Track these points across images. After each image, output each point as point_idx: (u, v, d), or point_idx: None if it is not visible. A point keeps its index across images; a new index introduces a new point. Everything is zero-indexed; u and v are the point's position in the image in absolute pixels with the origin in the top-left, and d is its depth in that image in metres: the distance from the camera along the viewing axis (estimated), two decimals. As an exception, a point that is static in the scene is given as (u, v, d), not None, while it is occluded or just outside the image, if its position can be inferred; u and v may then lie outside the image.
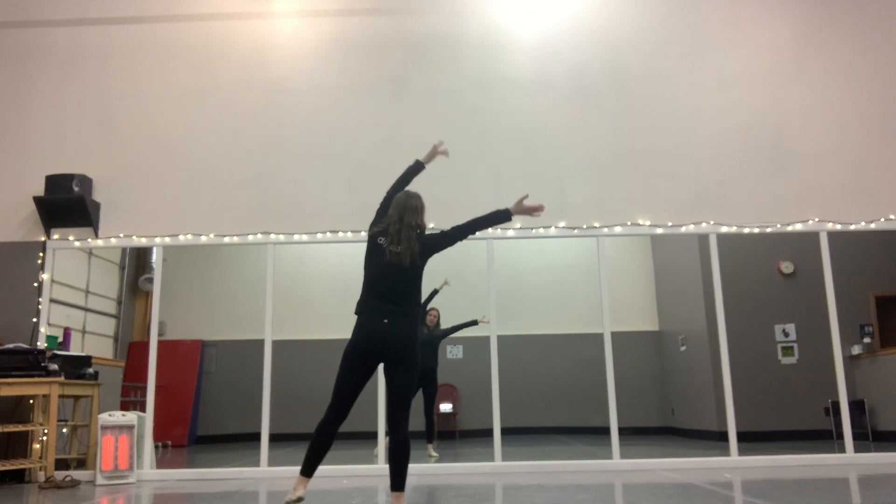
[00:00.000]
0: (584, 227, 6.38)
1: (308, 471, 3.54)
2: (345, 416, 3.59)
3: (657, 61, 6.70)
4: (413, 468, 6.10)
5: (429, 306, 7.80)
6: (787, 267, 9.36)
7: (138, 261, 9.59)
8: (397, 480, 3.47)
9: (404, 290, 3.60)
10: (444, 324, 8.06)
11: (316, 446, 3.55)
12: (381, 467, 5.93)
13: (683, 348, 10.13)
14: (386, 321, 3.52)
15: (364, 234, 6.29)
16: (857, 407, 8.16)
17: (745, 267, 8.81)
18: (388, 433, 3.60)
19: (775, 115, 6.59)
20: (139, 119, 6.59)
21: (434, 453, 7.47)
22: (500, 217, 3.78)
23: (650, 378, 11.03)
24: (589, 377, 8.87)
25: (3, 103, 6.62)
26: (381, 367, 4.29)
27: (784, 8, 6.81)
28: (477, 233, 3.78)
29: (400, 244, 3.60)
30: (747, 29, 6.76)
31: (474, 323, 7.78)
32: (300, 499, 3.47)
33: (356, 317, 3.62)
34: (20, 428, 5.51)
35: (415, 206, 3.70)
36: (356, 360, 3.56)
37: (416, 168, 4.02)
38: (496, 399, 6.16)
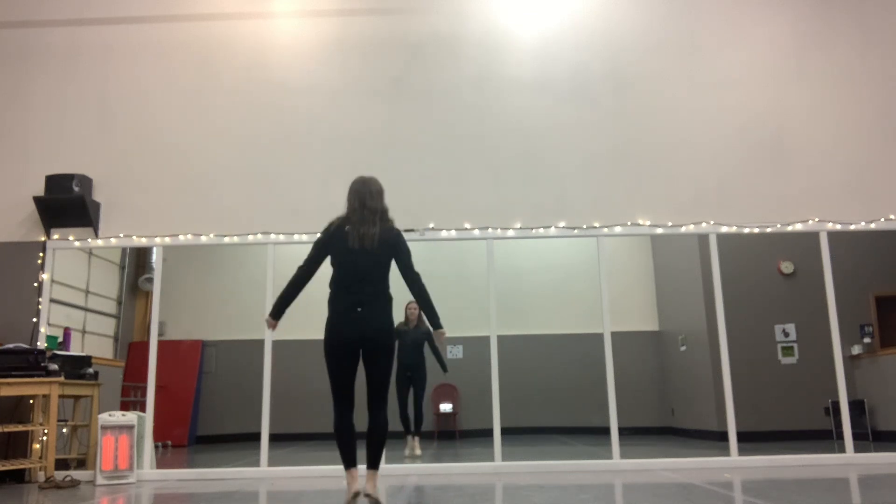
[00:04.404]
0: (584, 227, 6.38)
1: (350, 463, 3.64)
2: (353, 404, 3.72)
3: (657, 61, 6.70)
4: (413, 468, 6.15)
5: (409, 301, 7.50)
6: (787, 267, 9.36)
7: (138, 261, 9.58)
8: (373, 460, 3.64)
9: (372, 273, 3.67)
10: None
11: (343, 440, 3.66)
12: (389, 467, 5.92)
13: (683, 348, 10.13)
14: (360, 309, 3.60)
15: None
16: (857, 407, 8.16)
17: (745, 267, 8.82)
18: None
19: (775, 116, 6.59)
20: (139, 119, 6.59)
21: (417, 450, 7.36)
22: (434, 320, 3.86)
23: (650, 378, 11.03)
24: (589, 377, 8.87)
25: (3, 103, 6.62)
26: None
27: (784, 8, 6.81)
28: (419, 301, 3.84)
29: (364, 227, 3.67)
30: (747, 29, 6.77)
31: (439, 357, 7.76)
32: (357, 494, 3.53)
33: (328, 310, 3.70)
34: (20, 428, 5.51)
35: (374, 191, 3.79)
36: (340, 353, 3.64)
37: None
38: (496, 399, 6.16)
